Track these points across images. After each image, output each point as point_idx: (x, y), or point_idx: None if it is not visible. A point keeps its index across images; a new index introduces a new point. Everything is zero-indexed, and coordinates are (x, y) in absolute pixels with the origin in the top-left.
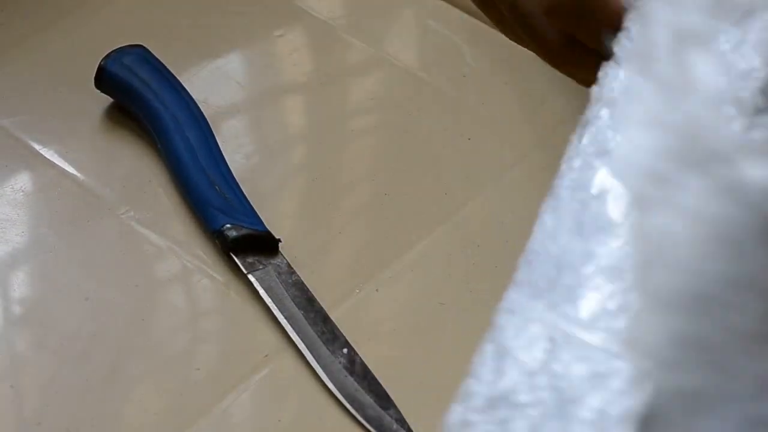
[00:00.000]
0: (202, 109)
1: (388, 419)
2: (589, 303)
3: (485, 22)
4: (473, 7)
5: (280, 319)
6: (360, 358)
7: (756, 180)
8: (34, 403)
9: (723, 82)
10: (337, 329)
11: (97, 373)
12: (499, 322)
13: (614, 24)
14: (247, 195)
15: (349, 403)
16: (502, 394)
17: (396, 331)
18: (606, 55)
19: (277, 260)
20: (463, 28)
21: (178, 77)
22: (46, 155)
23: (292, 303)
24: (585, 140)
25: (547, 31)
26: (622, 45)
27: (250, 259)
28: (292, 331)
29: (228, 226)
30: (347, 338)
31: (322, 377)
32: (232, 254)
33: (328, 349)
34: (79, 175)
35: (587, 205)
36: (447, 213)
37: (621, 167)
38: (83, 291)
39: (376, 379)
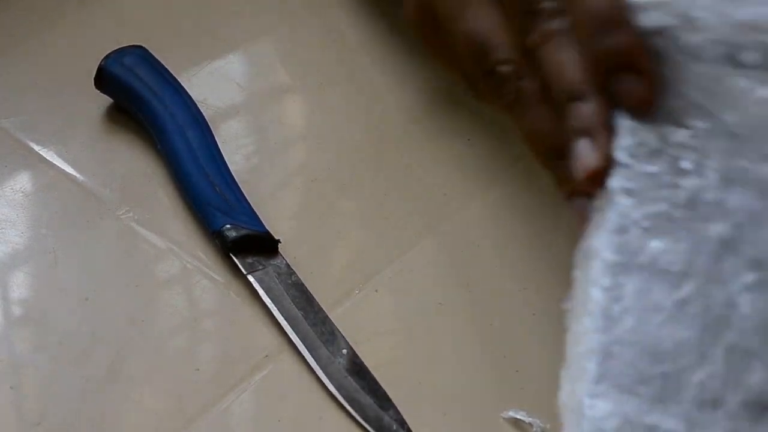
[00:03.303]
0: (201, 110)
1: (387, 420)
2: None
3: None
4: None
5: (279, 320)
6: (359, 359)
7: None
8: (34, 403)
9: None
10: (337, 330)
11: (97, 374)
12: None
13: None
14: (246, 195)
15: (348, 403)
16: None
17: (395, 332)
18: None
19: (276, 261)
20: None
21: (177, 78)
22: (45, 156)
23: (292, 303)
24: None
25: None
26: None
27: (249, 260)
28: (292, 331)
29: (228, 226)
30: (347, 339)
31: (321, 378)
32: (231, 255)
33: (327, 349)
34: (78, 175)
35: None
36: (446, 213)
37: None
38: (83, 291)
39: (375, 380)
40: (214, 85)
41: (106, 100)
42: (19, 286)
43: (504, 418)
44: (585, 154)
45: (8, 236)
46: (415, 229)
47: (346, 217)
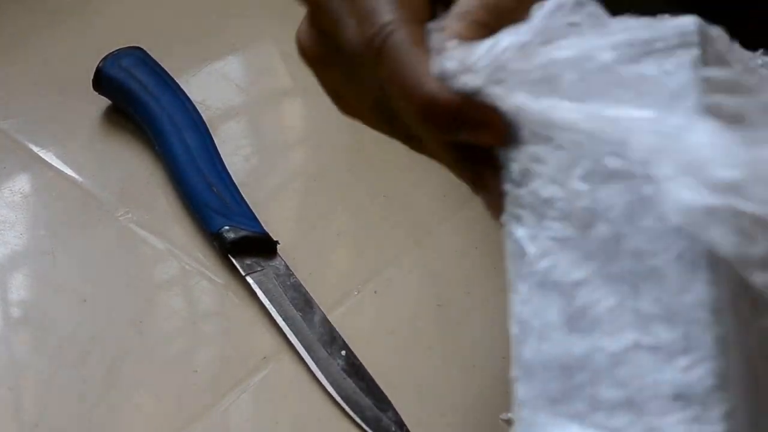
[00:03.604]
0: (200, 112)
1: (386, 421)
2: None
3: None
4: None
5: (278, 321)
6: (358, 360)
7: None
8: (32, 405)
9: None
10: (336, 331)
11: (95, 376)
12: None
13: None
14: (245, 197)
15: (347, 405)
16: None
17: (394, 333)
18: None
19: (275, 262)
20: None
21: (176, 79)
22: (44, 157)
23: (291, 305)
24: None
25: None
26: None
27: (248, 261)
28: (291, 333)
29: (226, 228)
30: (345, 340)
31: (320, 379)
32: (230, 256)
33: (326, 351)
34: (77, 177)
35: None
36: (445, 215)
37: None
38: (81, 293)
39: (374, 381)
40: (213, 86)
41: (104, 102)
42: (17, 287)
43: (502, 420)
44: (484, 200)
45: (7, 238)
46: (415, 231)
47: (345, 219)
